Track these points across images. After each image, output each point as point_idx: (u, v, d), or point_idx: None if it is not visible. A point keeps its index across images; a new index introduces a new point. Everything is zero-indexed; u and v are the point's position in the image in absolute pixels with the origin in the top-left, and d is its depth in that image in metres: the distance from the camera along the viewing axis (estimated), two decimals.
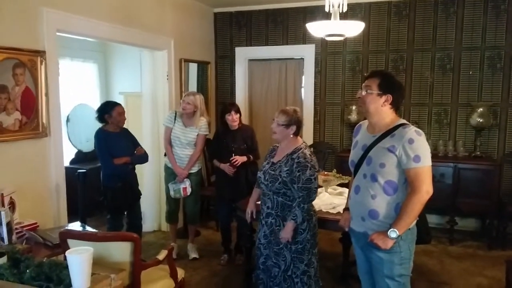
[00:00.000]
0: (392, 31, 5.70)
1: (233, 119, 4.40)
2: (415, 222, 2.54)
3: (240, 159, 4.36)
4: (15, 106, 3.30)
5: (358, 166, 2.62)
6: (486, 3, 5.31)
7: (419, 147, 2.39)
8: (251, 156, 4.44)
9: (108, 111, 4.12)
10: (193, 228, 4.86)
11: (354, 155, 2.69)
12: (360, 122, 2.83)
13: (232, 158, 4.37)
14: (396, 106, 2.55)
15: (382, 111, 2.53)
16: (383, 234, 2.44)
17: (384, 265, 2.52)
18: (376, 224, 2.51)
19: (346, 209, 2.81)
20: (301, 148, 3.09)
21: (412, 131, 2.42)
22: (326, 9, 3.96)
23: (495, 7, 5.27)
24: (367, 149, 2.56)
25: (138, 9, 4.77)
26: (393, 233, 2.40)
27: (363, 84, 2.59)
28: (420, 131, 2.47)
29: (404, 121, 2.55)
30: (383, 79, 2.53)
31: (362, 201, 2.56)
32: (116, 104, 4.22)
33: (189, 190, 4.57)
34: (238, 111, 4.45)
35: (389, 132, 2.49)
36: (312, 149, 3.39)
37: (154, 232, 5.53)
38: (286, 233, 3.06)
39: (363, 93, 2.55)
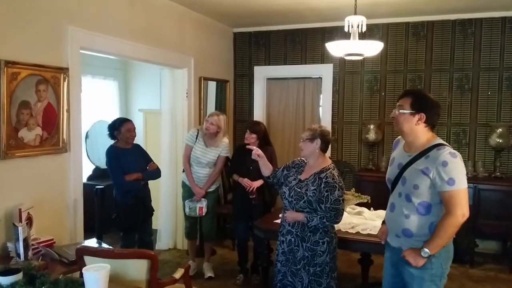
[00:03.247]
0: (410, 51, 5.69)
1: (246, 138, 4.36)
2: (451, 240, 2.53)
3: (254, 184, 4.29)
4: (36, 122, 3.35)
5: (394, 184, 2.64)
6: (504, 24, 5.29)
7: (453, 169, 2.37)
8: None
9: (117, 127, 4.13)
10: (209, 246, 4.83)
11: (390, 172, 2.71)
12: (398, 137, 2.82)
13: (246, 187, 4.30)
14: (431, 124, 2.55)
15: (417, 130, 2.53)
16: (415, 252, 2.46)
17: (414, 281, 2.53)
18: (410, 241, 2.53)
19: (384, 222, 2.83)
20: (329, 168, 3.07)
21: (446, 153, 2.40)
22: (346, 29, 3.98)
23: None
24: (403, 169, 2.57)
25: (159, 28, 4.85)
26: (424, 253, 2.42)
27: (397, 104, 2.61)
28: (456, 152, 2.44)
29: (440, 141, 2.55)
30: (416, 98, 2.55)
31: (397, 220, 2.59)
32: (125, 121, 4.23)
33: (204, 210, 4.55)
34: (255, 131, 4.35)
35: (424, 153, 2.48)
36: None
37: (170, 250, 5.51)
38: (291, 216, 3.08)
39: (397, 112, 2.57)
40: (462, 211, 2.39)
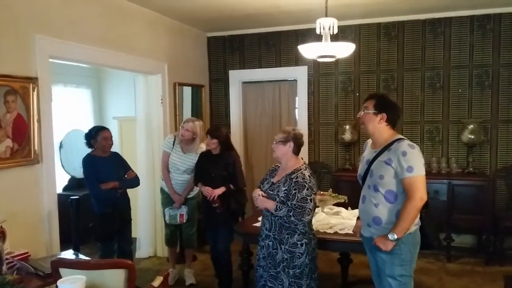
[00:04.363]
0: (382, 52, 5.77)
1: (208, 144, 4.21)
2: (417, 227, 2.81)
3: (215, 192, 4.08)
4: (6, 134, 3.28)
5: (364, 178, 2.93)
6: (472, 23, 5.41)
7: (411, 158, 2.67)
8: (231, 185, 4.16)
9: (94, 136, 4.07)
10: (190, 252, 4.81)
11: (361, 168, 3.00)
12: (368, 140, 3.11)
13: (207, 197, 4.12)
14: (392, 123, 2.85)
15: (380, 128, 2.83)
16: (384, 237, 2.73)
17: (386, 265, 2.80)
18: (380, 229, 2.79)
19: (358, 218, 3.08)
20: (300, 169, 3.10)
21: (405, 144, 2.72)
22: (317, 32, 4.00)
23: (481, 26, 5.38)
24: (370, 163, 2.86)
25: (131, 34, 4.80)
26: (391, 236, 2.68)
27: (362, 106, 2.92)
28: (414, 144, 2.76)
29: (400, 136, 2.84)
30: (378, 100, 2.87)
31: (367, 210, 2.86)
32: (102, 129, 4.16)
33: (185, 218, 4.52)
34: (215, 136, 4.13)
35: (387, 147, 2.79)
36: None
37: (150, 258, 5.46)
38: (262, 203, 3.10)
39: (362, 113, 2.89)
40: (420, 195, 2.66)
